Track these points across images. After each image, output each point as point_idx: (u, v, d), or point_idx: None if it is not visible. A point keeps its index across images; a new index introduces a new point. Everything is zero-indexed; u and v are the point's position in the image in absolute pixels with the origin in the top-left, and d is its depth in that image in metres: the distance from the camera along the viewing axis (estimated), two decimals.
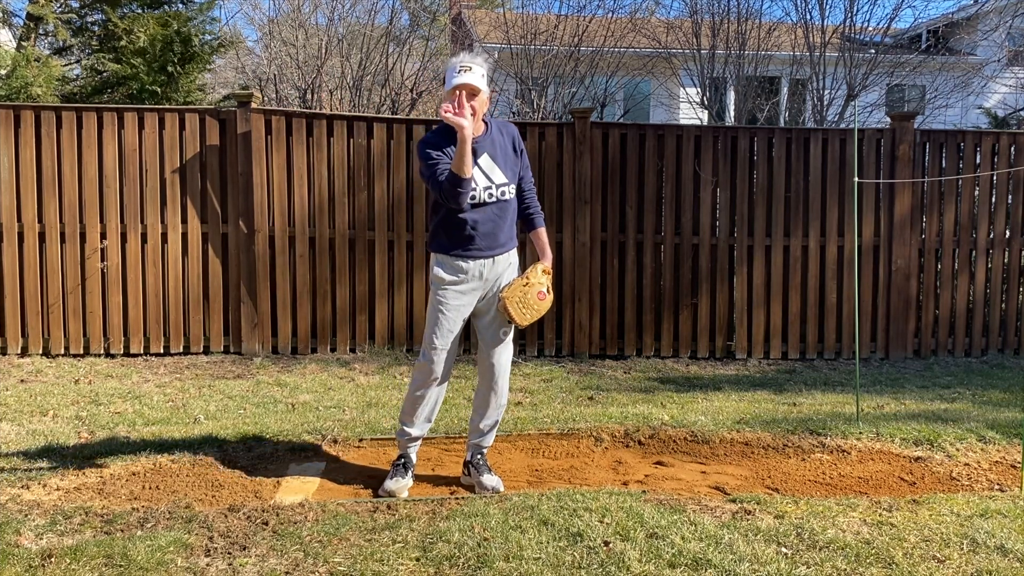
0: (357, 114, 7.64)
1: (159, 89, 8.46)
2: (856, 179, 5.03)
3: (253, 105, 6.62)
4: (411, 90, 10.31)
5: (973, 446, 4.43)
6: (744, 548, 3.04)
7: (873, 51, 10.33)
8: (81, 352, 6.53)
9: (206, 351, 6.67)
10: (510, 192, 3.70)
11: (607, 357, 6.95)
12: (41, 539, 3.14)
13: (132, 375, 6.06)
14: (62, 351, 6.52)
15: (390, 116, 7.98)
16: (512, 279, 3.73)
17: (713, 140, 7.04)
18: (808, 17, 10.47)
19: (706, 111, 10.99)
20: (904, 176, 7.00)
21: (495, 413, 3.85)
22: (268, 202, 6.68)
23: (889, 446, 4.45)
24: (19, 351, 6.50)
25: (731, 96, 10.82)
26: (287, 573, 2.88)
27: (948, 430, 4.64)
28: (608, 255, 6.96)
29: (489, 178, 3.62)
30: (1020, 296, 7.34)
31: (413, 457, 3.87)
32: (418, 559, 2.97)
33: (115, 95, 8.75)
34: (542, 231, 3.90)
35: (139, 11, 9.12)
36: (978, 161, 7.25)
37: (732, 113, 10.76)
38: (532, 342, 6.93)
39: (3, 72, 8.12)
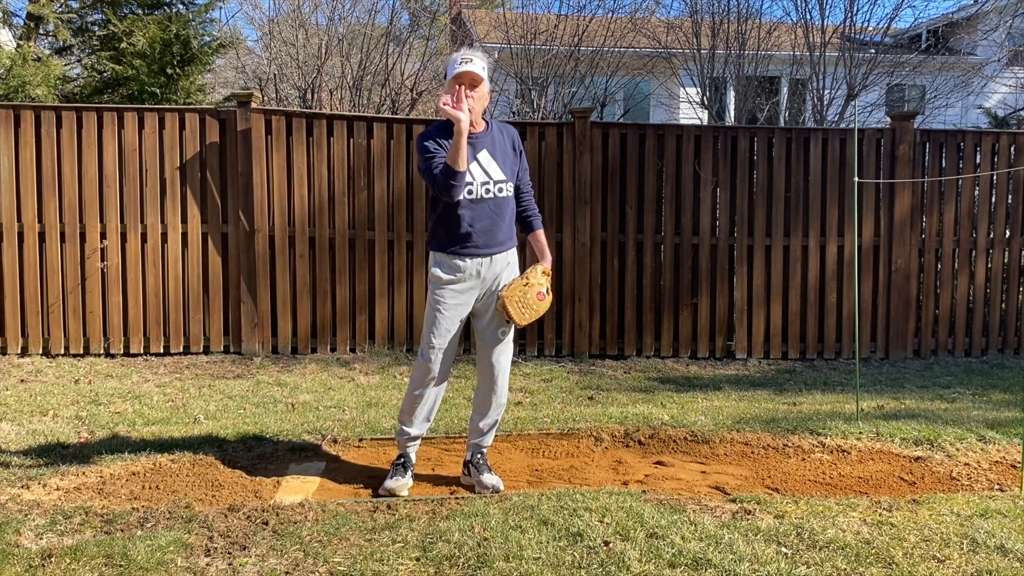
0: (357, 114, 7.64)
1: (159, 91, 8.47)
2: (856, 179, 5.03)
3: (253, 105, 6.63)
4: (411, 90, 10.31)
5: (973, 446, 4.43)
6: (744, 548, 3.04)
7: (873, 51, 10.33)
8: (81, 352, 6.53)
9: (206, 351, 6.67)
10: (508, 189, 3.70)
11: (607, 357, 6.95)
12: (41, 539, 3.14)
13: (132, 375, 6.06)
14: (62, 351, 6.52)
15: (390, 116, 7.98)
16: (512, 279, 3.73)
17: (713, 140, 7.04)
18: (808, 17, 10.48)
19: (706, 111, 10.99)
20: (904, 176, 6.99)
21: (495, 413, 3.85)
22: (268, 202, 6.68)
23: (889, 446, 4.45)
24: (19, 351, 6.50)
25: (731, 96, 10.82)
26: (287, 573, 2.88)
27: (948, 430, 4.64)
28: (608, 255, 6.96)
29: (487, 173, 3.63)
30: (1020, 296, 7.34)
31: (413, 457, 3.87)
32: (418, 559, 2.97)
33: (115, 95, 8.76)
34: (540, 233, 3.91)
35: (139, 12, 9.12)
36: (978, 161, 7.25)
37: (732, 113, 10.76)
38: (532, 342, 6.93)
39: (0, 71, 8.12)
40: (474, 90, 3.54)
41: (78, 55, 9.82)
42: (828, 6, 15.61)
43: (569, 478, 3.98)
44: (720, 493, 3.79)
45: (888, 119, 8.03)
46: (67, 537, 3.15)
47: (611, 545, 3.04)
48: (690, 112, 11.67)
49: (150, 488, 3.79)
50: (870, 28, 11.36)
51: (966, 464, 4.22)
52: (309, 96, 10.02)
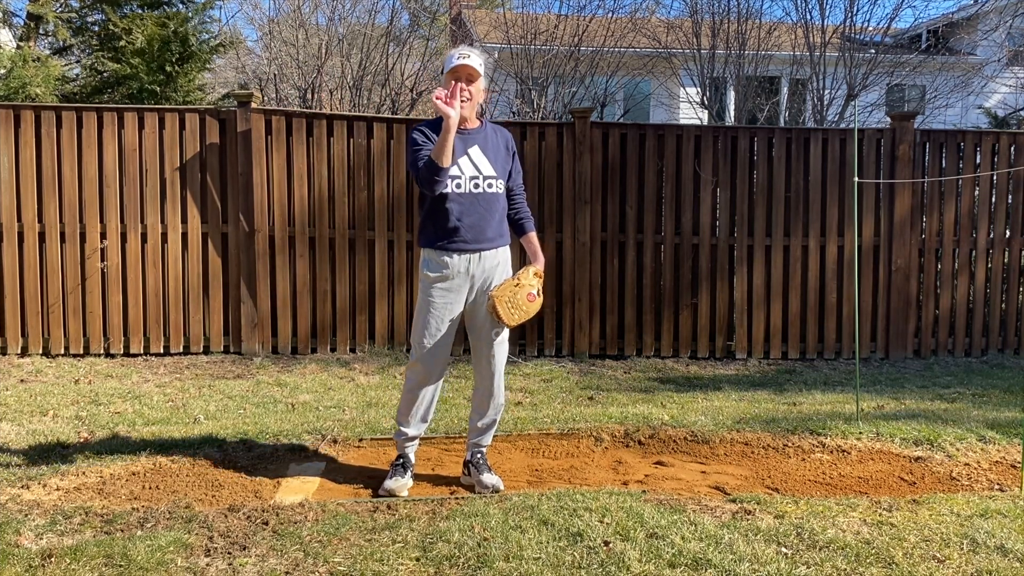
0: (357, 114, 7.64)
1: (158, 88, 8.47)
2: (856, 179, 5.02)
3: (253, 105, 6.63)
4: (411, 90, 10.31)
5: (973, 446, 4.43)
6: (744, 548, 3.04)
7: (873, 51, 10.33)
8: (81, 352, 6.53)
9: (206, 351, 6.67)
10: (498, 186, 3.70)
11: (607, 357, 6.95)
12: (41, 539, 3.14)
13: (132, 375, 6.06)
14: (62, 351, 6.52)
15: (390, 116, 7.99)
16: (504, 279, 3.73)
17: (713, 140, 7.04)
18: (808, 17, 10.49)
19: (706, 111, 10.99)
20: (904, 176, 6.99)
21: (493, 412, 3.86)
22: (268, 202, 6.68)
23: (889, 446, 4.45)
24: (19, 351, 6.50)
25: (731, 96, 10.82)
26: (287, 573, 2.88)
27: (948, 430, 4.64)
28: (608, 255, 6.96)
29: (477, 168, 3.64)
30: (1020, 296, 7.34)
31: (412, 457, 3.87)
32: (418, 559, 2.97)
33: (115, 95, 8.76)
34: (533, 235, 3.92)
35: (139, 10, 9.13)
36: (978, 161, 7.25)
37: (732, 113, 10.76)
38: (532, 342, 6.93)
39: (1, 72, 8.13)
40: (470, 84, 3.56)
41: (78, 55, 9.82)
42: (828, 6, 15.64)
43: (569, 478, 3.98)
44: (720, 493, 3.79)
45: (888, 119, 8.03)
46: (67, 537, 3.15)
47: (611, 545, 3.04)
48: (690, 112, 11.67)
49: (150, 488, 3.79)
50: (870, 28, 11.36)
51: (966, 464, 4.21)
52: (309, 96, 10.02)
